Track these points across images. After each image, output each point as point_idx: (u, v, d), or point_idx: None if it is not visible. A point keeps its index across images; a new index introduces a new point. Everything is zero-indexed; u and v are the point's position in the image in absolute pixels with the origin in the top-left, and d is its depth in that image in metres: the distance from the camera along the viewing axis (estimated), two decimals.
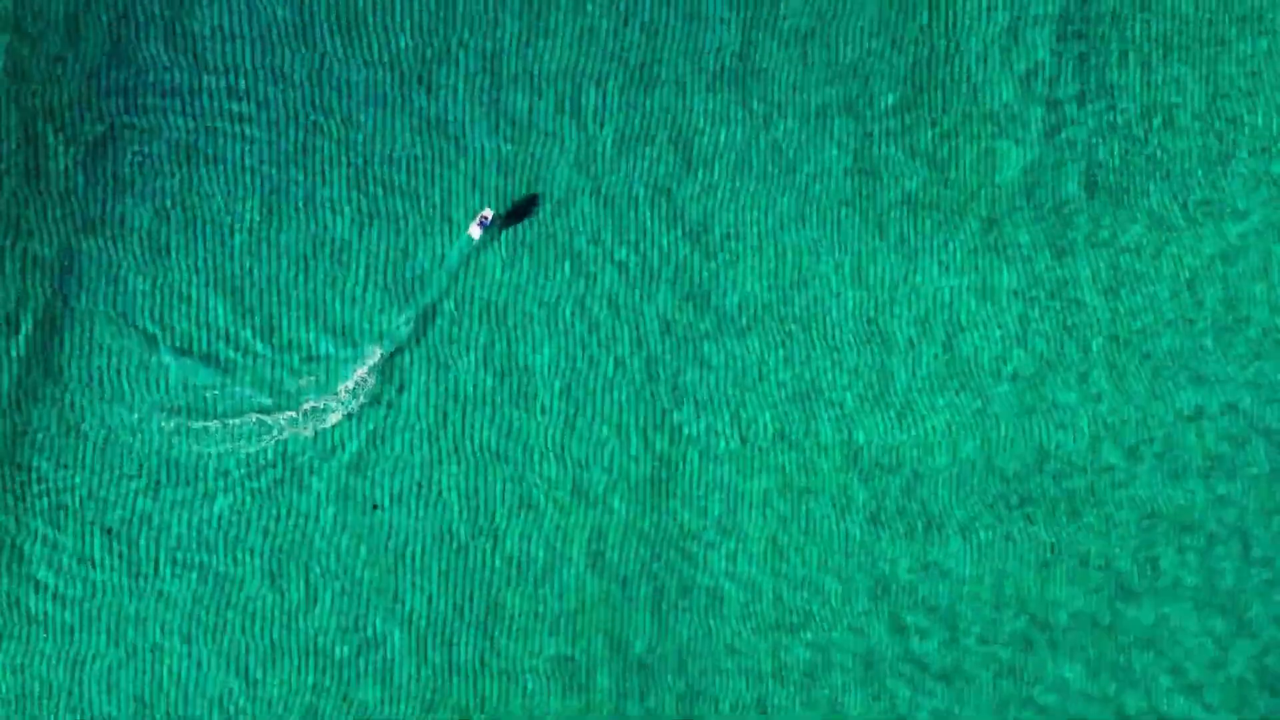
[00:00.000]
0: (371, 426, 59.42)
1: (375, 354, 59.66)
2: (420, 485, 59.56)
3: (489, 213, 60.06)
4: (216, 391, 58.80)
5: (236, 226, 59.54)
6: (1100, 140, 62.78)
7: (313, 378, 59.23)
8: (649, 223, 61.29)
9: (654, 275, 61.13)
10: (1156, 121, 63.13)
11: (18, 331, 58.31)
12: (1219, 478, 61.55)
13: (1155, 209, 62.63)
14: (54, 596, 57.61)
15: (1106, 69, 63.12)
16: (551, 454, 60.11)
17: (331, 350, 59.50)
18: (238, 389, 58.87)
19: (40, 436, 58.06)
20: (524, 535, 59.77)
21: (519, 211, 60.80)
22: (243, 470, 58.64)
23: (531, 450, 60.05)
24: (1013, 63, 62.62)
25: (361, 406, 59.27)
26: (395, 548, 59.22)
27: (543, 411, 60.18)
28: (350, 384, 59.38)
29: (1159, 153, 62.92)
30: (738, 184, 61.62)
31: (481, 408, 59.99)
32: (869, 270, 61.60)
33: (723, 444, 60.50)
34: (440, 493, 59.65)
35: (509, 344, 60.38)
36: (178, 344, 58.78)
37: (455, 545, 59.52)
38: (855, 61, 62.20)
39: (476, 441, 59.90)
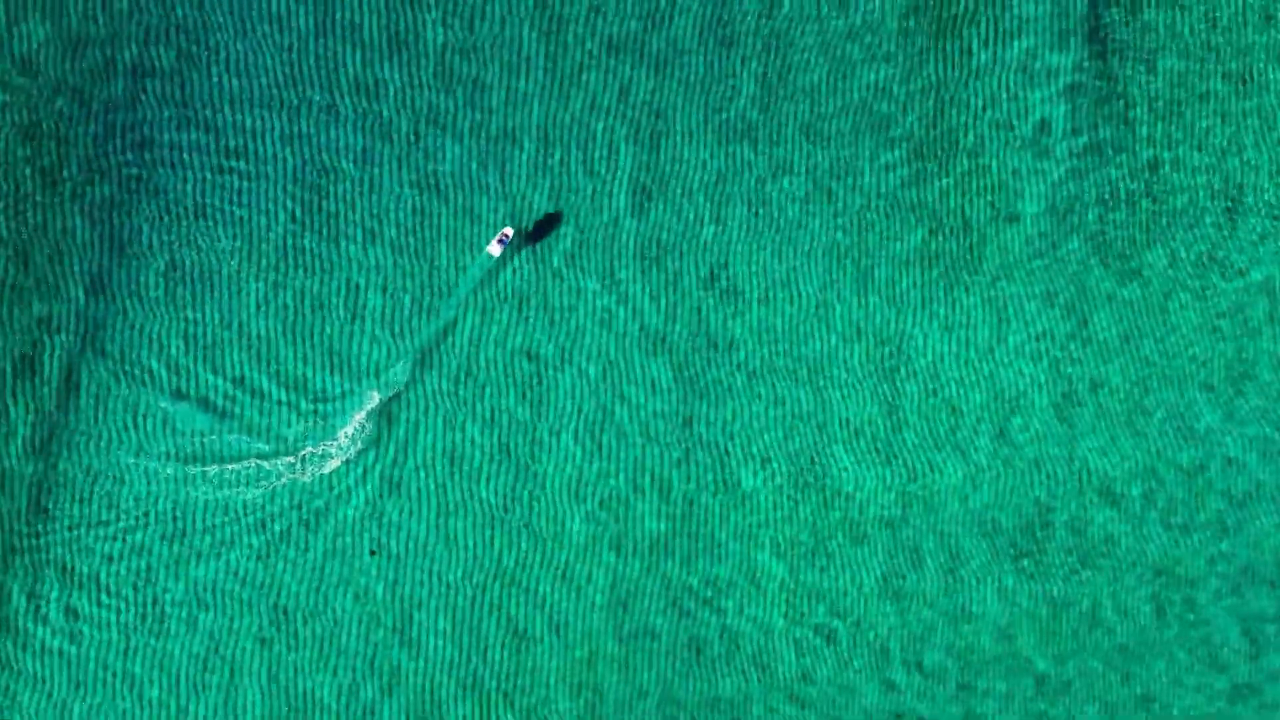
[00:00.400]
0: (380, 474, 58.99)
1: (374, 399, 59.14)
2: (429, 535, 59.18)
3: (509, 231, 59.66)
4: (214, 437, 58.23)
5: (237, 277, 59.05)
6: (1106, 196, 62.58)
7: (311, 423, 58.64)
8: (661, 271, 60.96)
9: (669, 322, 60.81)
10: (1164, 177, 63.00)
11: (46, 382, 57.87)
12: (1221, 531, 61.67)
13: (1160, 264, 62.50)
14: (41, 651, 57.11)
15: (1115, 125, 62.92)
16: (564, 502, 59.63)
17: (330, 396, 58.99)
18: (235, 435, 58.31)
19: (41, 484, 57.67)
20: (536, 587, 59.40)
21: (542, 229, 60.46)
22: (247, 520, 58.08)
23: (542, 498, 59.68)
24: (1021, 117, 62.41)
25: (359, 452, 58.65)
26: (404, 599, 58.80)
27: (554, 459, 59.78)
28: (349, 429, 58.84)
29: (1165, 208, 62.82)
30: (750, 234, 61.31)
31: (493, 457, 59.65)
32: (877, 322, 61.35)
33: (738, 490, 60.27)
34: (450, 542, 59.23)
35: (520, 391, 60.00)
36: (175, 389, 58.22)
37: (466, 595, 59.07)
38: (864, 116, 61.97)
39: (488, 490, 59.53)
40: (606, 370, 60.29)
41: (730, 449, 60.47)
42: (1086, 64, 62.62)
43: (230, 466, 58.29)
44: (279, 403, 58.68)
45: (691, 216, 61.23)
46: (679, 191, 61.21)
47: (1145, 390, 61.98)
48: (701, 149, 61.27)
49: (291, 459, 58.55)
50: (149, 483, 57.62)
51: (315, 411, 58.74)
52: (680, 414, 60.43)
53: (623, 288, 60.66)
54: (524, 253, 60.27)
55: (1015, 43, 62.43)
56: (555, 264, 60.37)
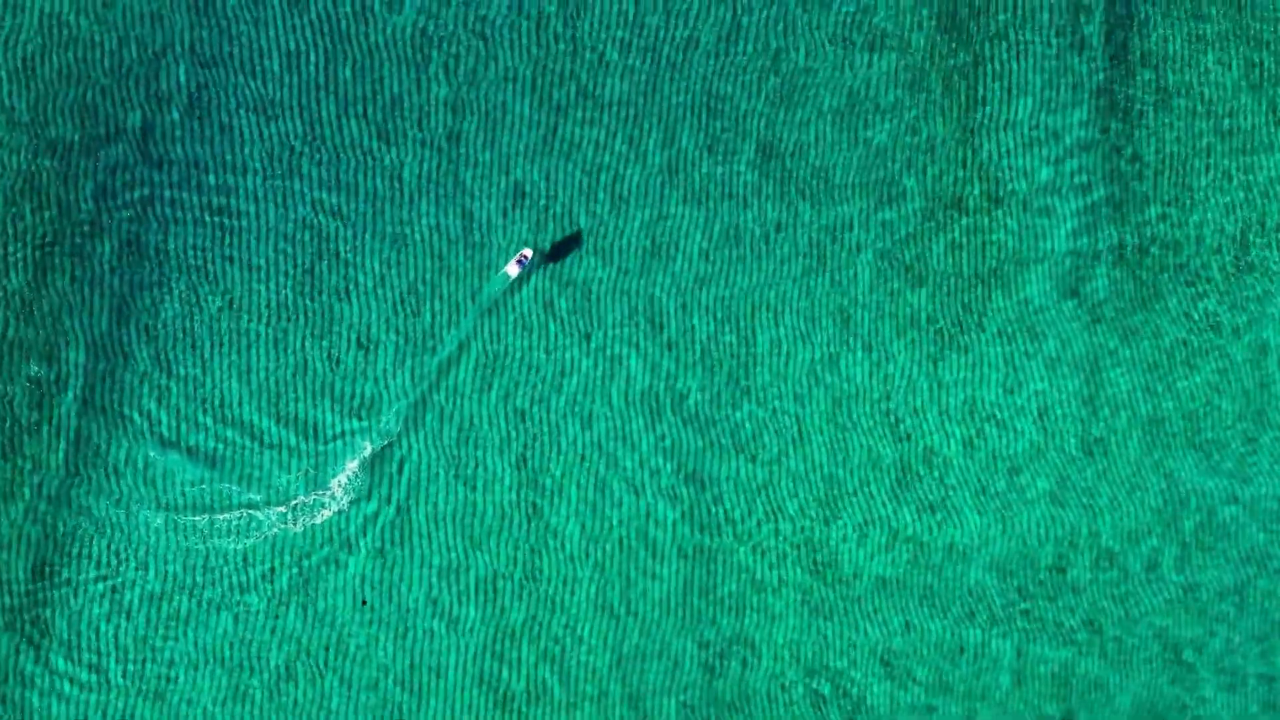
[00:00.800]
0: (374, 526, 58.27)
1: (366, 448, 58.29)
2: (435, 595, 58.60)
3: (528, 252, 58.89)
4: (203, 487, 57.44)
5: (227, 328, 58.25)
6: (1111, 253, 61.98)
7: (302, 473, 57.82)
8: (662, 328, 60.20)
9: (671, 378, 60.14)
10: (1168, 234, 62.40)
11: (52, 438, 57.13)
12: (1223, 592, 61.54)
13: (1166, 321, 62.03)
14: (40, 707, 56.51)
15: (1119, 182, 62.26)
16: (571, 558, 59.11)
17: (321, 445, 58.20)
18: (224, 484, 57.52)
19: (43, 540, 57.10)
20: (542, 644, 58.83)
21: (560, 250, 59.69)
22: (239, 575, 57.42)
23: (547, 554, 59.11)
24: (1024, 175, 61.82)
25: (351, 502, 57.85)
26: (407, 654, 58.22)
27: (555, 514, 59.18)
28: (342, 479, 58.05)
29: (1169, 265, 62.27)
30: (751, 292, 60.58)
31: (502, 514, 58.95)
32: (879, 379, 60.80)
33: (742, 546, 59.73)
34: (456, 602, 58.56)
35: (519, 443, 59.32)
36: (163, 438, 57.38)
37: (471, 654, 58.53)
38: (864, 174, 61.28)
39: (495, 543, 58.88)
40: (608, 426, 59.51)
41: (734, 505, 59.80)
42: (1090, 121, 62.06)
43: (220, 516, 57.54)
44: (269, 452, 57.92)
45: (691, 274, 60.46)
46: (679, 249, 60.42)
47: (1151, 448, 61.60)
48: (699, 208, 60.46)
49: (282, 509, 57.80)
50: (139, 533, 56.89)
51: (306, 461, 57.96)
52: (683, 469, 59.75)
53: (624, 344, 59.89)
54: (525, 306, 59.37)
55: (1019, 101, 61.86)
56: (556, 317, 59.57)
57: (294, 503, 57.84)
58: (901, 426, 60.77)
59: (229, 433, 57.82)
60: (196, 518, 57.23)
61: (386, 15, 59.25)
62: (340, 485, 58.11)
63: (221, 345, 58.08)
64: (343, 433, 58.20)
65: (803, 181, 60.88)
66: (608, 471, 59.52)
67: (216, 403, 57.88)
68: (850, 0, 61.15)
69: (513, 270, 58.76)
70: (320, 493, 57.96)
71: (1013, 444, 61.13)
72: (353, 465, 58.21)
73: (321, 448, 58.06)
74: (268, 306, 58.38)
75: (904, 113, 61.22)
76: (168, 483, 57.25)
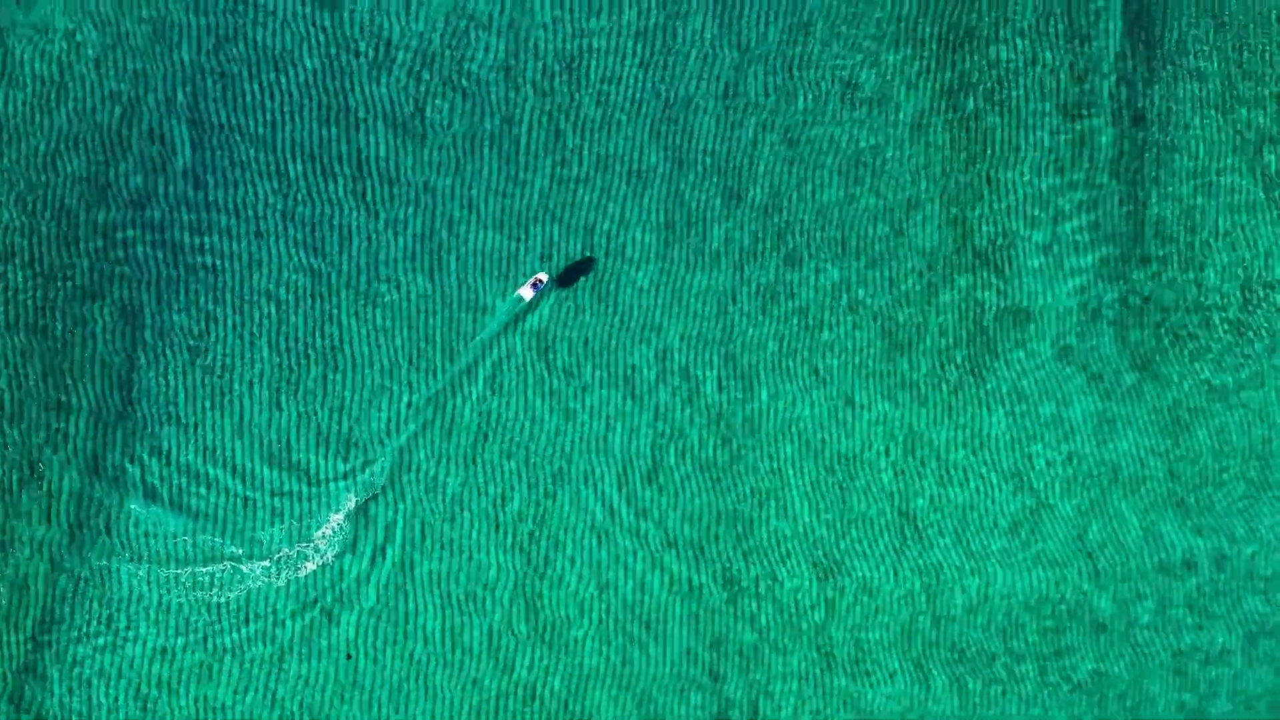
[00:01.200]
0: (370, 587, 57.45)
1: (350, 501, 57.34)
2: (427, 652, 57.77)
3: (543, 276, 58.24)
4: (187, 539, 56.64)
5: (207, 380, 57.38)
6: (1124, 302, 61.52)
7: (286, 525, 56.98)
8: (670, 369, 59.46)
9: (682, 425, 59.52)
10: (1180, 283, 61.90)
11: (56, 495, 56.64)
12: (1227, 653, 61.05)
13: (1176, 374, 61.53)
14: None
15: (1131, 233, 61.70)
16: (568, 618, 58.34)
17: (305, 497, 57.34)
18: (207, 536, 56.68)
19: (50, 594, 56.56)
20: (547, 708, 58.17)
21: (572, 274, 58.95)
22: (229, 633, 56.70)
23: (546, 610, 58.36)
24: (1037, 225, 61.27)
25: (336, 556, 56.96)
26: (404, 707, 57.43)
27: (559, 566, 58.39)
28: (326, 531, 57.16)
29: (1182, 321, 61.84)
30: (764, 336, 59.88)
31: (498, 568, 58.12)
32: (895, 424, 60.22)
33: (755, 591, 59.21)
34: (447, 662, 57.72)
35: (522, 494, 58.49)
36: (147, 490, 56.59)
37: (469, 715, 57.84)
38: (879, 225, 60.68)
39: (487, 603, 57.96)
40: (609, 479, 58.77)
41: (747, 550, 59.13)
42: (1089, 181, 61.45)
43: (204, 569, 56.72)
44: (253, 504, 57.09)
45: (692, 329, 59.64)
46: (679, 304, 59.65)
47: (1165, 496, 61.21)
48: (699, 265, 59.76)
49: (266, 562, 56.99)
50: (122, 587, 56.21)
51: (290, 513, 57.08)
52: (686, 523, 58.97)
53: (624, 397, 59.15)
54: (524, 357, 58.63)
55: (1018, 160, 61.25)
56: (554, 369, 58.79)
57: (278, 556, 57.00)
58: (900, 483, 60.04)
59: (212, 484, 57.04)
60: (179, 570, 56.36)
61: (373, 85, 58.68)
62: (324, 538, 57.26)
63: (202, 398, 57.25)
64: (326, 483, 57.35)
65: (816, 231, 60.21)
66: (609, 525, 58.62)
67: (199, 455, 57.07)
68: (845, 62, 60.32)
69: (526, 293, 58.00)
70: (304, 545, 57.09)
71: (1010, 503, 60.51)
72: (337, 517, 57.36)
73: (305, 500, 57.23)
74: (249, 360, 57.53)
75: (902, 171, 60.56)
76: (150, 535, 56.50)
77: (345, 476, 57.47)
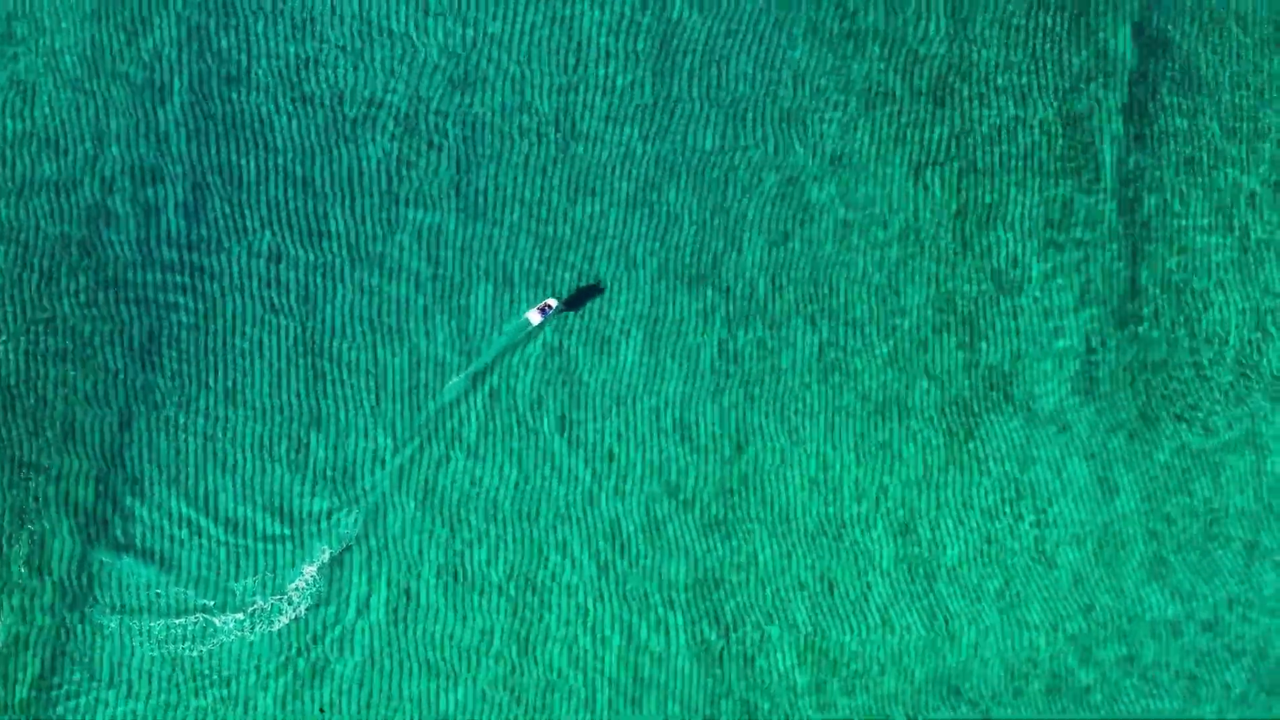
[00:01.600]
0: (346, 642, 56.58)
1: (324, 553, 56.55)
2: (386, 698, 56.77)
3: (553, 302, 57.85)
4: (159, 591, 55.92)
5: (180, 427, 56.86)
6: (1114, 366, 60.99)
7: (259, 578, 56.28)
8: (665, 428, 58.83)
9: (678, 471, 58.86)
10: (1182, 346, 61.51)
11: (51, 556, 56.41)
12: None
13: (1171, 433, 60.94)
14: None
15: (1128, 297, 61.32)
16: (561, 673, 57.47)
17: (278, 550, 56.64)
18: (180, 588, 56.02)
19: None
20: None
21: (577, 299, 58.57)
22: (203, 688, 55.87)
23: (533, 668, 57.45)
24: (1023, 291, 60.80)
25: (309, 609, 56.11)
26: None
27: (553, 619, 57.66)
28: (300, 584, 56.39)
29: (1184, 384, 61.40)
30: (755, 400, 59.24)
31: (483, 626, 57.21)
32: (876, 486, 59.56)
33: (731, 651, 58.36)
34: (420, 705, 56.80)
35: (474, 547, 57.48)
36: (117, 541, 56.01)
37: None
38: (868, 289, 60.20)
39: (472, 659, 57.00)
40: (604, 530, 58.12)
41: (738, 606, 58.41)
42: (1088, 232, 61.17)
43: (177, 621, 55.95)
44: (225, 556, 56.41)
45: (692, 379, 59.11)
46: (672, 355, 59.16)
47: (1152, 557, 60.42)
48: (701, 328, 59.32)
49: (240, 615, 56.18)
50: (94, 640, 55.50)
51: (264, 564, 56.48)
52: (682, 574, 58.29)
53: (622, 445, 58.55)
54: (521, 406, 58.09)
55: (1016, 215, 60.97)
56: (548, 418, 58.16)
57: (251, 609, 56.18)
58: (898, 534, 59.34)
59: (183, 537, 56.43)
60: (153, 623, 55.64)
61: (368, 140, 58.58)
62: (298, 590, 56.46)
63: (176, 447, 56.74)
64: (300, 533, 56.63)
65: (805, 294, 59.83)
66: (602, 582, 57.93)
67: (169, 504, 56.46)
68: (832, 117, 60.06)
69: (534, 317, 57.69)
70: (278, 597, 56.29)
71: (1009, 559, 59.84)
72: (310, 570, 56.56)
73: (278, 552, 56.55)
74: (225, 408, 57.10)
75: (888, 232, 60.30)
76: (122, 586, 55.89)
77: (319, 526, 56.71)
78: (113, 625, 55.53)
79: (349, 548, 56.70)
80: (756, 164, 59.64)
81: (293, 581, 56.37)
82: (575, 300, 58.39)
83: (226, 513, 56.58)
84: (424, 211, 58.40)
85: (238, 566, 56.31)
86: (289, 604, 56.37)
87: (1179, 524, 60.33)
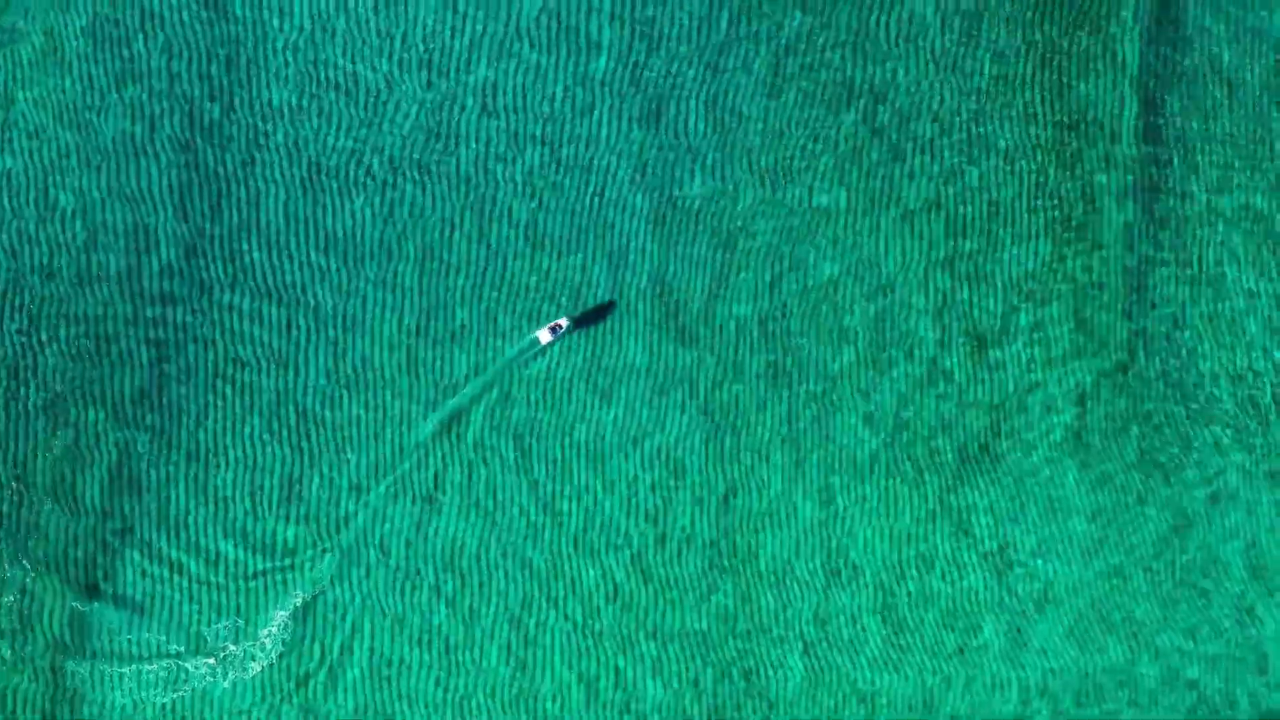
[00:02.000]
0: (318, 689, 56.20)
1: (297, 597, 56.22)
2: None
3: (563, 322, 57.57)
4: (129, 636, 55.47)
5: (151, 470, 56.52)
6: (1123, 416, 60.88)
7: (231, 623, 55.80)
8: (659, 462, 58.70)
9: (671, 512, 58.77)
10: (1179, 393, 61.39)
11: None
12: None
13: (1164, 477, 60.88)
14: None
15: (1118, 347, 61.07)
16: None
17: (249, 595, 56.10)
18: (150, 634, 55.55)
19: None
20: None
21: (590, 317, 58.39)
22: None
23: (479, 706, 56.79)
24: (978, 325, 60.51)
25: (281, 655, 55.71)
26: None
27: (539, 667, 57.13)
28: (272, 629, 55.95)
29: (1183, 432, 61.26)
30: (757, 428, 59.10)
31: (424, 661, 56.64)
32: (825, 529, 59.12)
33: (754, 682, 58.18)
34: None
35: (450, 592, 57.12)
36: (87, 586, 55.59)
37: None
38: (818, 322, 59.89)
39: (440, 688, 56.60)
40: (593, 579, 57.99)
41: (739, 645, 58.19)
42: (1090, 272, 61.09)
43: (148, 667, 55.43)
44: (195, 602, 55.88)
45: (690, 414, 58.90)
46: (681, 393, 59.01)
47: (1104, 606, 60.25)
48: (651, 352, 59.09)
49: (211, 660, 55.64)
50: (66, 685, 55.02)
51: (236, 608, 55.96)
52: (681, 611, 58.09)
53: (602, 492, 58.37)
54: (498, 461, 57.79)
55: (1018, 253, 60.87)
56: (525, 463, 57.92)
57: (223, 654, 55.73)
58: (846, 574, 58.97)
59: (153, 582, 55.94)
60: (124, 669, 55.14)
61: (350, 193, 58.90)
62: (270, 635, 56.02)
63: (145, 487, 56.40)
64: (270, 587, 56.14)
65: (750, 325, 59.51)
66: (594, 623, 57.71)
67: (139, 546, 56.05)
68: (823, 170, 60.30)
69: (544, 336, 57.48)
70: (250, 644, 55.87)
71: (964, 595, 59.47)
72: (282, 615, 56.14)
73: (250, 593, 56.06)
74: (195, 446, 56.79)
75: (890, 264, 60.26)
76: (92, 632, 55.44)
77: (293, 566, 56.32)
78: (82, 672, 55.00)
79: (322, 592, 56.41)
80: (744, 212, 59.88)
81: (265, 627, 55.85)
82: (586, 319, 58.28)
83: (194, 559, 56.11)
84: (403, 263, 58.65)
85: (207, 613, 55.73)
86: (261, 649, 55.87)
87: (1163, 575, 60.35)
